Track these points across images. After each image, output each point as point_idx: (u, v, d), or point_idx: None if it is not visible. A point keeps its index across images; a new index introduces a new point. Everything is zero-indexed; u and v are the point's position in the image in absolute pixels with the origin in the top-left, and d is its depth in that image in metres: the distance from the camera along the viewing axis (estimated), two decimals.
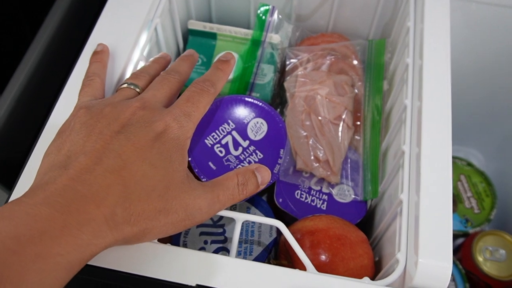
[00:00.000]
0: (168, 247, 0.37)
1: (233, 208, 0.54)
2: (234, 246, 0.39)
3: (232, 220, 0.54)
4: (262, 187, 0.41)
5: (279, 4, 0.64)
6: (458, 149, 0.85)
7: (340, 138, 0.55)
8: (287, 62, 0.58)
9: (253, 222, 0.51)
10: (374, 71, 0.58)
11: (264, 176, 0.41)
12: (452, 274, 0.62)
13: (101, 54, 0.45)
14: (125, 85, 0.41)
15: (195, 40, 0.60)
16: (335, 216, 0.49)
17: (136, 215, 0.33)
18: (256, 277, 0.35)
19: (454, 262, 0.63)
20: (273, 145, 0.54)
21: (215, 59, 0.59)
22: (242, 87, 0.58)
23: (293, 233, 0.43)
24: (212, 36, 0.60)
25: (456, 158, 0.71)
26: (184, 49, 0.60)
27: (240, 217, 0.40)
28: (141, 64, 0.48)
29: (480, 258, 0.62)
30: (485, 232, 0.64)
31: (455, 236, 0.66)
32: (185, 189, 0.36)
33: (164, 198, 0.34)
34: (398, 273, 0.37)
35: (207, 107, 0.41)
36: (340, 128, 0.55)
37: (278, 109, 0.59)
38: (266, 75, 0.59)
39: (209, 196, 0.37)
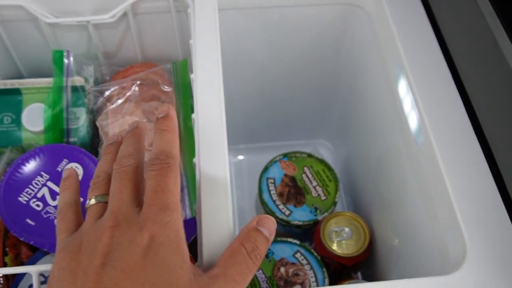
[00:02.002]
0: None
1: None
2: None
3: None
4: (272, 239, 0.36)
5: (82, 47, 0.64)
6: (307, 143, 0.89)
7: None
8: (95, 101, 0.59)
9: None
10: (181, 91, 0.60)
11: (269, 226, 0.36)
12: (310, 263, 0.65)
13: (69, 179, 0.41)
14: (92, 201, 0.37)
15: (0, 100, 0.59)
16: None
17: None
18: None
19: (309, 251, 0.66)
20: None
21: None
22: (58, 135, 0.58)
23: None
24: (16, 92, 0.59)
25: (296, 152, 0.75)
26: None
27: (34, 269, 0.40)
28: None
29: (329, 242, 0.65)
30: (329, 216, 0.67)
31: (308, 226, 0.69)
32: None
33: None
34: None
35: (178, 181, 0.36)
36: None
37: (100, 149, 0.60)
38: (79, 118, 0.59)
39: (224, 286, 0.33)
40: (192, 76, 0.49)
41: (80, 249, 0.33)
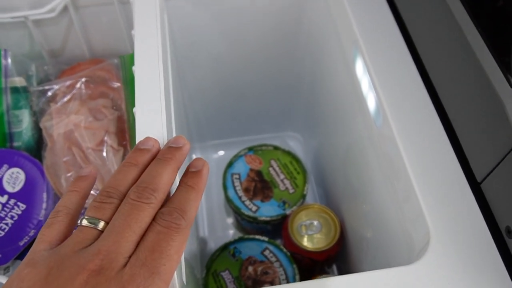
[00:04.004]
0: None
1: None
2: None
3: None
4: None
5: (24, 46, 0.60)
6: (276, 136, 0.86)
7: (108, 162, 0.52)
8: (37, 102, 0.55)
9: None
10: (130, 86, 0.57)
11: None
12: (279, 260, 0.62)
13: (84, 181, 0.35)
14: (85, 222, 0.31)
15: None
16: None
17: None
18: None
19: (279, 247, 0.63)
20: (35, 191, 0.50)
21: None
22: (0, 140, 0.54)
23: None
24: None
25: (262, 145, 0.71)
26: None
27: None
28: None
29: (298, 236, 0.62)
30: (296, 210, 0.64)
31: (276, 221, 0.66)
32: None
33: None
34: None
35: (182, 249, 0.31)
36: (105, 153, 0.52)
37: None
38: (22, 121, 0.55)
39: None
40: (134, 68, 0.46)
41: (48, 276, 0.28)
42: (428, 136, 0.41)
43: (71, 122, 0.53)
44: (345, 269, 0.68)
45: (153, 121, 0.39)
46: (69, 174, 0.51)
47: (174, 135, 0.45)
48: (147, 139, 0.36)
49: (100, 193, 0.33)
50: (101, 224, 0.31)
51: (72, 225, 0.33)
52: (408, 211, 0.40)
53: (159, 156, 0.35)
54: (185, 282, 0.40)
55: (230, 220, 0.77)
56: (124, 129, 0.55)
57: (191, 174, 0.34)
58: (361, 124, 0.51)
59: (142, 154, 0.35)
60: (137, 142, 0.38)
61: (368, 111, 0.47)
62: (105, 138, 0.53)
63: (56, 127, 0.54)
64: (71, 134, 0.53)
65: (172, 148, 0.35)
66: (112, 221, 0.31)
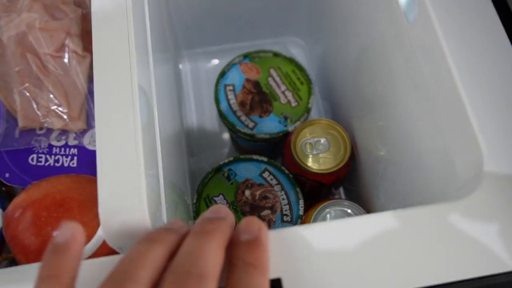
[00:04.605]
0: None
1: None
2: None
3: None
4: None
5: None
6: (275, 42, 0.75)
7: (71, 72, 0.43)
8: None
9: None
10: None
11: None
12: (280, 183, 0.54)
13: (63, 256, 0.22)
14: None
15: None
16: (70, 174, 0.38)
17: None
18: None
19: (279, 168, 0.55)
20: None
21: None
22: None
23: (13, 213, 0.32)
24: None
25: (260, 52, 0.61)
26: None
27: None
28: None
29: (302, 156, 0.54)
30: (301, 125, 0.55)
31: (277, 139, 0.57)
32: None
33: None
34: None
35: None
36: (66, 60, 0.43)
37: None
38: None
39: None
40: None
41: None
42: (482, 30, 0.31)
43: (23, 22, 0.43)
44: (353, 192, 0.61)
45: (114, 20, 0.29)
46: (23, 87, 0.41)
47: (148, 38, 0.35)
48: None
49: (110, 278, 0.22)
50: None
51: None
52: (449, 129, 0.31)
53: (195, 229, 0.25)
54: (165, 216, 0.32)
55: (224, 138, 0.69)
56: (91, 30, 0.45)
57: (248, 245, 0.24)
58: (383, 21, 0.41)
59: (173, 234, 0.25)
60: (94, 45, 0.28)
61: (396, 1, 0.36)
62: (66, 41, 0.43)
63: (5, 28, 0.43)
64: (24, 37, 0.43)
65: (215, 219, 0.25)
66: None
